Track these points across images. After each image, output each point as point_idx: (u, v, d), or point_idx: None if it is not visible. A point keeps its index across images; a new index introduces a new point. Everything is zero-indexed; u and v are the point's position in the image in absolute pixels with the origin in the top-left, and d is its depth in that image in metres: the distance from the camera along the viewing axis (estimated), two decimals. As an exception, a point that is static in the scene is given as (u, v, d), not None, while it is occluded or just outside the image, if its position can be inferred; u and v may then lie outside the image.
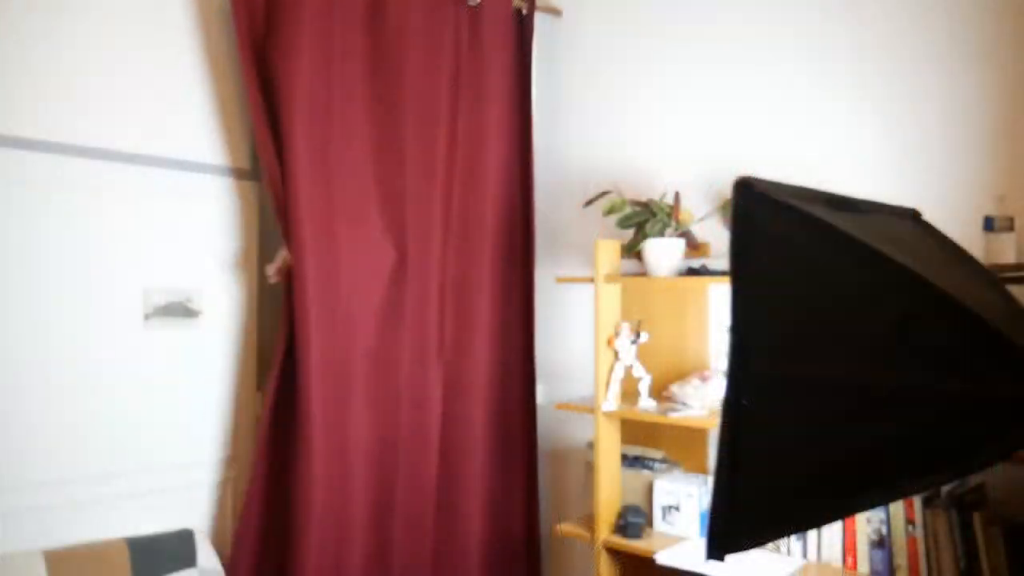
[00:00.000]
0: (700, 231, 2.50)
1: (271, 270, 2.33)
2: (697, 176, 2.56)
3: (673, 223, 2.38)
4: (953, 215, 2.06)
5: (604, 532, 2.39)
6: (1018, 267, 1.88)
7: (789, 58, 2.41)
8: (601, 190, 2.62)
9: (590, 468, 2.54)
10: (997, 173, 2.07)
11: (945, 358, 0.78)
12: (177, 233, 2.33)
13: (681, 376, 2.48)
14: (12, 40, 2.02)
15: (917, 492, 1.88)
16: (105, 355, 2.18)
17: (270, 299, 2.55)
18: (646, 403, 2.41)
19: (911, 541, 1.98)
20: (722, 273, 2.27)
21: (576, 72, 2.90)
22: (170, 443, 2.30)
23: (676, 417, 2.27)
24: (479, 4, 2.73)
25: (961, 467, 0.90)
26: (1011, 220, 1.91)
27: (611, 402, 2.42)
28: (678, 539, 2.33)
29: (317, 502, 2.28)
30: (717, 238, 2.49)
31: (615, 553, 2.42)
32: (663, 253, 2.36)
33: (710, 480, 2.02)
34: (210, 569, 2.20)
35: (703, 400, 2.30)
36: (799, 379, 0.92)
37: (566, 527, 2.52)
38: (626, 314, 2.53)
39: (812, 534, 2.16)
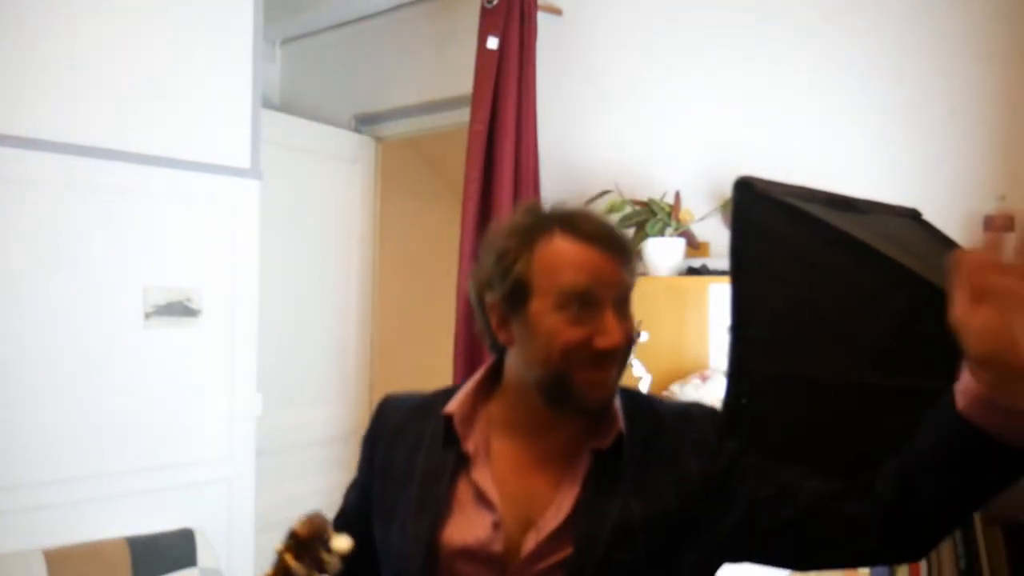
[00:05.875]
0: (700, 231, 2.49)
1: None
2: (697, 176, 2.56)
3: (673, 223, 2.37)
4: (953, 215, 2.05)
5: (604, 532, 2.39)
6: (1018, 267, 1.88)
7: (790, 58, 2.41)
8: (601, 190, 2.61)
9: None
10: (997, 173, 2.07)
11: (945, 357, 0.78)
12: (177, 233, 2.32)
13: (681, 376, 2.48)
14: (12, 39, 2.02)
15: (917, 492, 1.87)
16: (105, 354, 2.17)
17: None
18: (646, 403, 2.40)
19: (911, 541, 1.98)
20: (722, 273, 2.26)
21: (576, 71, 2.89)
22: (170, 442, 2.30)
23: (676, 417, 2.26)
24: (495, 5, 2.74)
25: (961, 467, 0.89)
26: (1011, 220, 1.91)
27: (611, 402, 2.42)
28: (678, 539, 2.33)
29: None
30: (717, 238, 2.48)
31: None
32: (663, 253, 2.36)
33: (710, 480, 2.02)
34: (210, 569, 2.20)
35: (703, 400, 2.30)
36: (799, 379, 0.92)
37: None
38: (626, 314, 2.53)
39: (812, 534, 2.15)
